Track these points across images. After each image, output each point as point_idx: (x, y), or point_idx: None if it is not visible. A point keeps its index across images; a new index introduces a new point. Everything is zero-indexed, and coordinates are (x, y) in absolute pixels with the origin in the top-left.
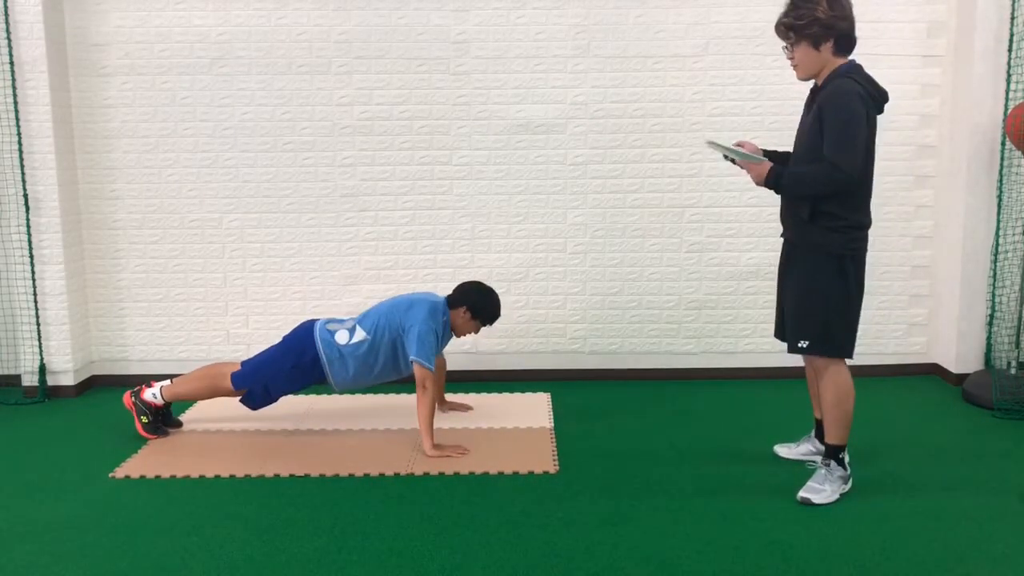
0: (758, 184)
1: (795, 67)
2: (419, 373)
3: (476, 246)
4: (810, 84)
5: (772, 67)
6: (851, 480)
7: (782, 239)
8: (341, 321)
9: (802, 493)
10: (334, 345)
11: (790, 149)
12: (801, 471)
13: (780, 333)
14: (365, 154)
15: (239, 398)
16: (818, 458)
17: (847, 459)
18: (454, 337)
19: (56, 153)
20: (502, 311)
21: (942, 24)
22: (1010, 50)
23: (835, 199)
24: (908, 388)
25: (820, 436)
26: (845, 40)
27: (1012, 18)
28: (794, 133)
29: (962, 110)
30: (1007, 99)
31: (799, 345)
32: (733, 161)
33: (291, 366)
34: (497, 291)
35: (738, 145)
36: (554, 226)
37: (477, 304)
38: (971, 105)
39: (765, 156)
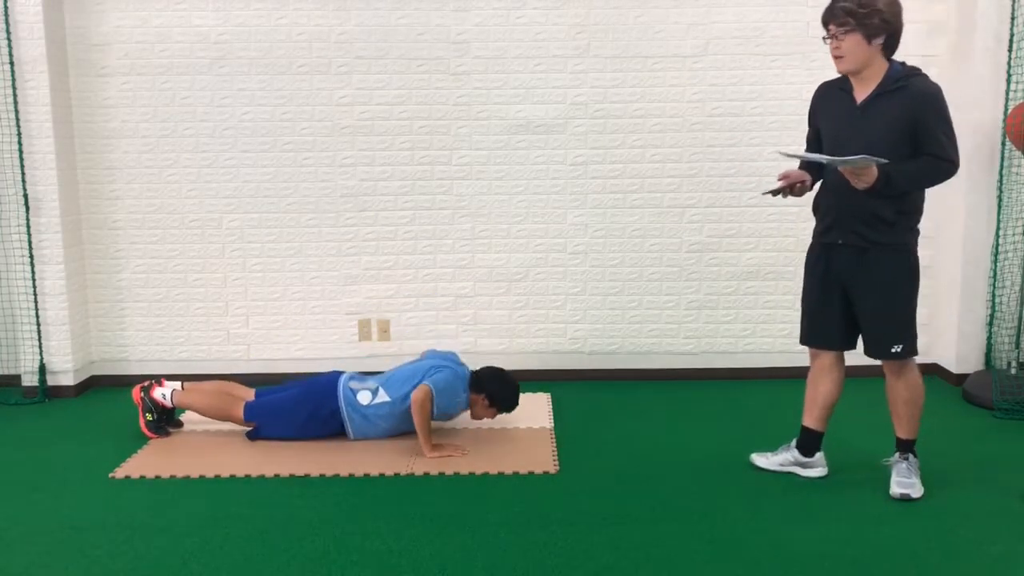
0: (864, 189)
1: (839, 58)
2: (423, 391)
3: (476, 246)
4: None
5: (772, 67)
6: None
7: (832, 243)
8: (364, 380)
9: (899, 489)
10: (356, 405)
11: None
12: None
13: (812, 339)
14: (365, 154)
15: (246, 430)
16: (796, 468)
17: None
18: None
19: (56, 153)
20: (502, 311)
21: (942, 24)
22: (1010, 50)
23: (918, 198)
24: None
25: (802, 446)
26: (894, 41)
27: (1012, 18)
28: (794, 133)
29: (962, 110)
30: (1007, 99)
31: (893, 351)
32: (774, 192)
33: (307, 416)
34: (497, 291)
35: (783, 177)
36: (554, 226)
37: (496, 394)
38: (971, 105)
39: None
